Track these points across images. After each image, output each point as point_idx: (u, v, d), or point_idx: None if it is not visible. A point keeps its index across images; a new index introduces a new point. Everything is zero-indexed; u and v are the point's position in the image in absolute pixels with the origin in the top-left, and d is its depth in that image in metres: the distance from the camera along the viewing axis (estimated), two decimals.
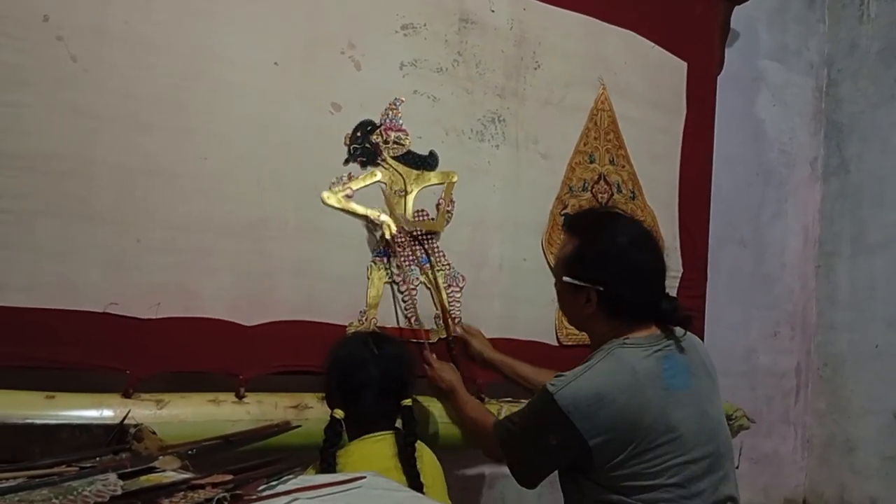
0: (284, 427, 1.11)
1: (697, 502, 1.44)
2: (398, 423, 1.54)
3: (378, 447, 1.45)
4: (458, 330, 1.98)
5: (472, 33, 2.18)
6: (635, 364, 1.47)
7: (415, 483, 1.40)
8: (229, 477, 0.93)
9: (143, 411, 1.63)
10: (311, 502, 1.01)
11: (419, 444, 1.50)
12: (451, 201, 2.12)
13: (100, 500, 0.76)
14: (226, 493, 0.86)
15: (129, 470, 0.85)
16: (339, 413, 1.49)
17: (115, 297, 1.68)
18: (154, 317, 1.71)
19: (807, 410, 3.20)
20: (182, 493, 0.84)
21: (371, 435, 1.48)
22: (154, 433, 1.41)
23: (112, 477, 0.81)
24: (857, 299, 3.10)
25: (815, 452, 3.17)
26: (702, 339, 2.54)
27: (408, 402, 1.50)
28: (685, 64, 2.57)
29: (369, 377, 1.50)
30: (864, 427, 3.01)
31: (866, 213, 3.11)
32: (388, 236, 1.99)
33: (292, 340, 1.84)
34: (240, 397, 1.76)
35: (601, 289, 1.52)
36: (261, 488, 1.02)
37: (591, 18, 2.38)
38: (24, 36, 1.63)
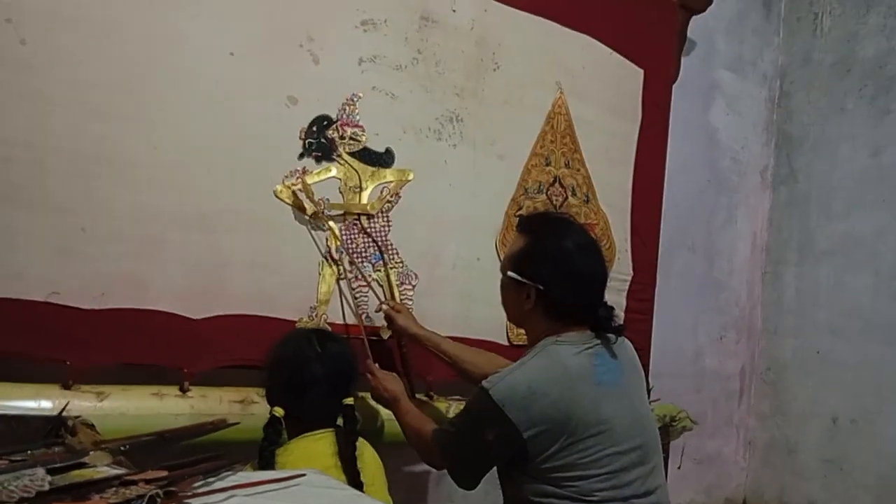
0: (220, 424, 1.09)
1: (628, 492, 1.49)
2: (339, 422, 1.53)
3: (319, 445, 1.45)
4: (384, 307, 1.97)
5: (433, 32, 2.18)
6: (567, 360, 1.53)
7: (355, 481, 1.40)
8: (164, 473, 0.92)
9: (83, 403, 1.61)
10: (249, 499, 1.00)
11: (360, 443, 1.49)
12: (397, 195, 2.11)
13: (26, 495, 0.75)
14: (158, 490, 0.85)
15: (59, 465, 0.84)
16: (278, 411, 1.48)
17: (59, 286, 1.65)
18: (98, 307, 1.68)
19: (750, 413, 3.28)
20: (114, 489, 0.84)
21: (311, 433, 1.47)
22: (91, 426, 1.38)
23: (40, 472, 0.79)
24: (802, 306, 3.19)
25: (757, 454, 3.25)
26: (649, 339, 2.62)
27: (349, 400, 1.50)
28: (642, 71, 2.60)
29: (312, 375, 1.49)
30: (805, 430, 3.10)
31: (813, 222, 3.20)
32: (330, 245, 1.97)
33: (241, 335, 1.82)
34: (184, 391, 1.74)
35: (541, 288, 1.57)
36: (196, 485, 1.01)
37: (551, 22, 2.39)
38: None
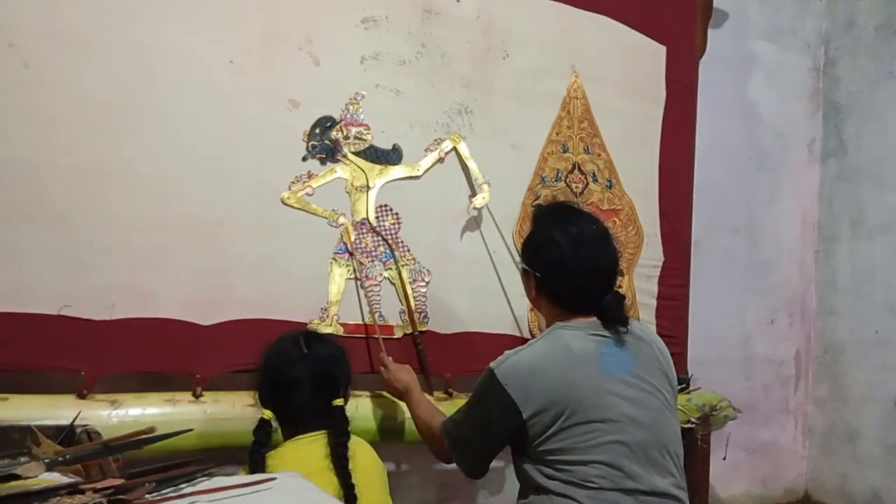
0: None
1: (630, 484, 1.44)
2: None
3: (311, 448, 1.44)
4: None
5: (437, 24, 2.15)
6: (572, 343, 1.52)
7: (346, 483, 1.39)
8: (118, 481, 0.93)
9: (97, 412, 1.65)
10: None
11: (355, 444, 1.48)
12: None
13: None
14: (102, 499, 0.86)
15: None
16: (267, 413, 1.48)
17: (69, 299, 1.70)
18: (109, 318, 1.72)
19: (807, 399, 3.13)
20: (57, 498, 0.84)
21: (303, 436, 1.46)
22: (98, 435, 1.41)
23: None
24: (858, 284, 3.02)
25: (816, 442, 3.10)
26: (685, 326, 2.52)
27: (339, 401, 1.49)
28: (664, 48, 2.51)
29: (297, 376, 1.48)
30: (866, 415, 2.93)
31: (866, 195, 3.02)
32: (345, 240, 1.98)
33: (251, 339, 1.82)
34: (196, 396, 1.77)
35: (538, 276, 1.60)
36: (166, 491, 1.02)
37: (562, 4, 2.33)
38: None
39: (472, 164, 2.17)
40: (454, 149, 2.15)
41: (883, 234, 2.95)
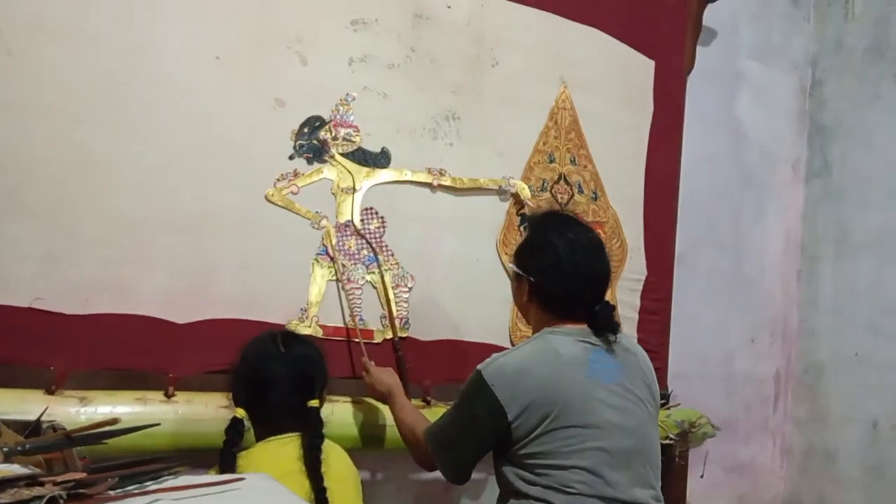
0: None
1: (610, 492, 1.43)
2: None
3: (284, 450, 1.41)
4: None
5: (427, 29, 2.15)
6: (560, 347, 1.52)
7: (318, 486, 1.37)
8: (80, 475, 0.90)
9: (65, 409, 1.61)
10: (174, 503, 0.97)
11: (328, 447, 1.45)
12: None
13: None
14: (62, 492, 0.83)
15: None
16: (240, 412, 1.45)
17: (44, 292, 1.66)
18: (82, 312, 1.69)
19: (786, 419, 3.12)
20: (15, 489, 0.82)
21: (277, 437, 1.44)
22: (64, 429, 1.38)
23: None
24: (840, 305, 3.02)
25: (795, 462, 3.09)
26: (665, 340, 2.52)
27: (314, 402, 1.46)
28: (653, 62, 2.51)
29: (273, 375, 1.46)
30: (845, 436, 2.93)
31: (850, 215, 3.03)
32: (326, 243, 1.96)
33: (228, 339, 1.79)
34: (168, 396, 1.74)
35: (532, 280, 1.59)
36: (129, 487, 0.99)
37: (553, 15, 2.33)
38: None
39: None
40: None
41: (866, 255, 2.95)
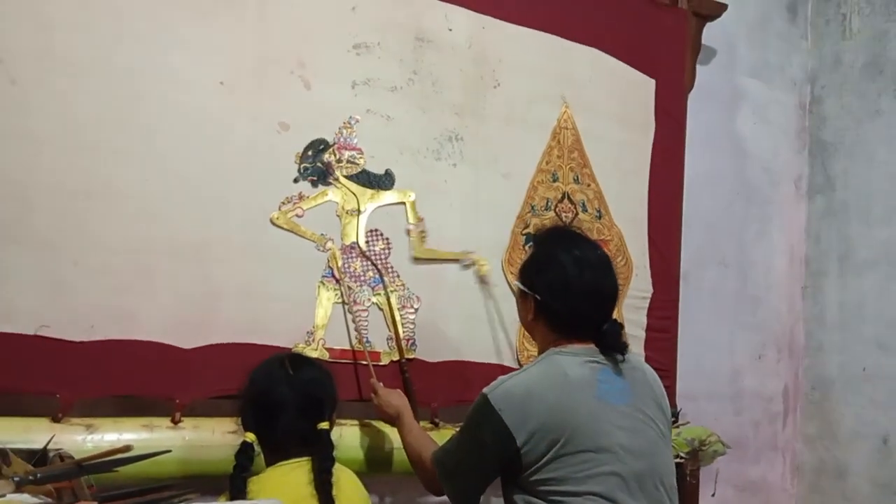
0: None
1: None
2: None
3: (294, 474, 1.40)
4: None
5: (429, 52, 2.16)
6: (568, 369, 1.48)
7: None
8: None
9: (72, 437, 1.61)
10: None
11: (339, 470, 1.44)
12: (419, 219, 2.10)
13: None
14: None
15: None
16: (249, 437, 1.44)
17: (49, 319, 1.66)
18: (87, 339, 1.68)
19: (795, 436, 3.09)
20: None
21: (287, 461, 1.42)
22: (71, 458, 1.37)
23: None
24: (846, 320, 3.01)
25: (805, 479, 3.06)
26: (674, 358, 2.50)
27: (324, 425, 1.45)
28: (653, 81, 2.52)
29: (281, 399, 1.45)
30: (855, 453, 2.90)
31: (854, 231, 3.03)
32: (332, 265, 1.96)
33: (234, 363, 1.78)
34: (175, 422, 1.72)
35: (538, 298, 1.55)
36: None
37: (553, 36, 2.35)
38: None
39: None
40: None
41: (871, 271, 2.95)
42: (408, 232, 2.09)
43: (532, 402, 1.44)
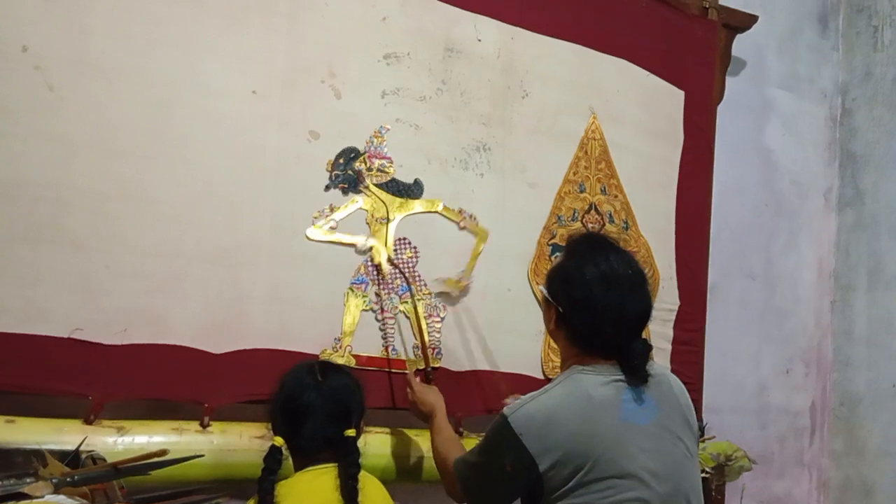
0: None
1: None
2: None
3: (322, 480, 1.40)
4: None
5: (458, 62, 2.17)
6: (592, 390, 1.43)
7: None
8: None
9: (103, 438, 1.62)
10: None
11: (364, 477, 1.44)
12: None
13: None
14: None
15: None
16: (278, 441, 1.45)
17: (82, 322, 1.68)
18: (119, 343, 1.70)
19: (822, 452, 3.06)
20: None
21: (315, 467, 1.43)
22: (104, 461, 1.39)
23: None
24: (875, 335, 2.98)
25: (832, 496, 3.02)
26: (700, 372, 2.48)
27: (351, 432, 1.45)
28: (682, 93, 2.52)
29: (310, 404, 1.45)
30: (882, 470, 2.87)
31: (884, 245, 3.00)
32: (377, 262, 1.98)
33: (262, 369, 1.81)
34: (204, 426, 1.74)
35: (560, 310, 1.50)
36: None
37: (581, 47, 2.35)
38: (1, 66, 1.66)
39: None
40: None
41: None
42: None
43: (555, 428, 1.38)
